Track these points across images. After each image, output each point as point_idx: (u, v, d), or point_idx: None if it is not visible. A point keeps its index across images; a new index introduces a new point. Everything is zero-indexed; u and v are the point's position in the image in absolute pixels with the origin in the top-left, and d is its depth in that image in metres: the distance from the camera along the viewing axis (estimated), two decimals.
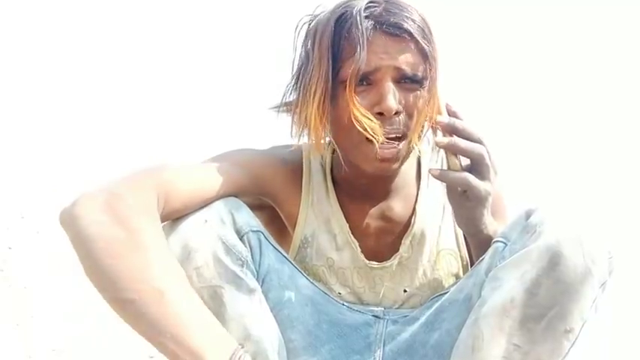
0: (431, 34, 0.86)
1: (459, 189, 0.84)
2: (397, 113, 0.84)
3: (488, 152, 0.83)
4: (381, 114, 0.84)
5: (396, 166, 0.88)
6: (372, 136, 0.82)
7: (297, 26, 0.91)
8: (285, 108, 0.93)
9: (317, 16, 0.89)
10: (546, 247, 0.72)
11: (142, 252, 0.71)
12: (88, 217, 0.73)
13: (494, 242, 0.83)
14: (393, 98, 0.83)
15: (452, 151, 0.83)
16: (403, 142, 0.86)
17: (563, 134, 1.98)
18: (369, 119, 0.83)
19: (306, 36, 0.90)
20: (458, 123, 0.83)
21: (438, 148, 0.85)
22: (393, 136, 0.85)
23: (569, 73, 2.00)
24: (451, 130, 0.83)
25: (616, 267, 0.72)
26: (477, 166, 0.83)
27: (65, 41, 1.85)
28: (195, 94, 2.00)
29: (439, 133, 0.86)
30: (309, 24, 0.90)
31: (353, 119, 0.83)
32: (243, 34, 1.99)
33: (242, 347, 0.72)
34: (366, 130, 0.82)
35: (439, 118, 0.84)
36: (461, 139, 0.82)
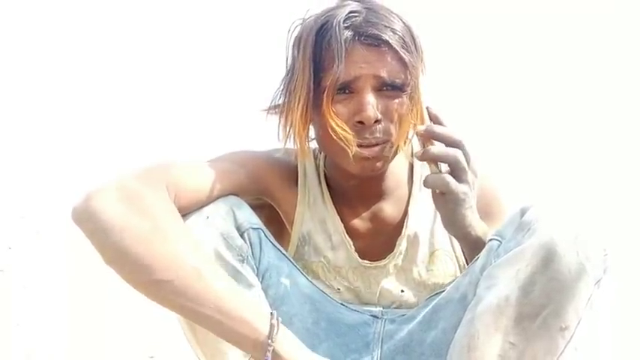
0: (413, 41, 0.88)
1: (437, 191, 0.87)
2: (377, 121, 0.86)
3: (466, 154, 0.85)
4: (361, 122, 0.86)
5: (379, 165, 0.90)
6: (346, 146, 0.85)
7: (289, 29, 0.92)
8: (274, 110, 0.95)
9: (305, 21, 0.91)
10: (540, 245, 0.72)
11: (171, 237, 0.75)
12: (109, 209, 0.74)
13: (489, 240, 0.84)
14: (372, 107, 0.85)
15: (427, 159, 0.86)
16: (385, 146, 0.88)
17: (557, 131, 1.98)
18: (344, 130, 0.85)
19: (293, 43, 0.92)
20: (435, 128, 0.86)
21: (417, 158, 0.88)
22: (374, 142, 0.87)
23: (560, 70, 2.00)
24: (429, 136, 0.86)
25: (611, 264, 0.72)
26: (454, 170, 0.85)
27: (65, 41, 1.85)
28: (195, 95, 2.00)
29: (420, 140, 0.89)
30: (298, 30, 0.92)
31: (329, 129, 0.85)
32: (243, 35, 1.99)
33: (272, 313, 0.75)
34: (340, 139, 0.85)
35: (417, 127, 0.86)
36: (434, 147, 0.85)
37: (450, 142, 0.85)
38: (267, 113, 0.95)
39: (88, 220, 0.75)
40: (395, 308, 0.97)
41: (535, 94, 2.00)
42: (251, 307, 0.75)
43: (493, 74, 1.99)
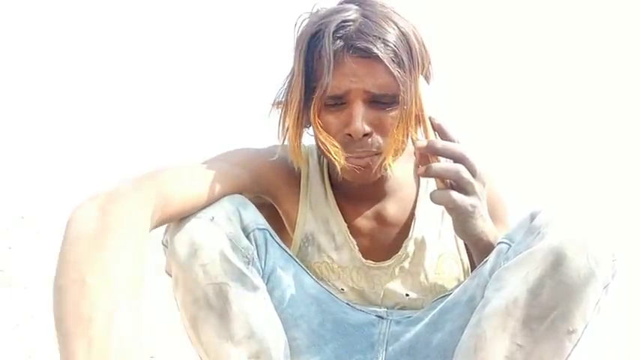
0: (409, 51, 0.85)
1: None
2: (367, 135, 0.86)
3: (470, 166, 0.83)
4: (350, 135, 0.86)
5: (371, 175, 0.90)
6: (335, 159, 0.85)
7: (295, 24, 0.91)
8: (278, 106, 0.94)
9: (307, 20, 0.90)
10: (550, 249, 0.72)
11: (100, 247, 0.68)
12: (80, 211, 0.72)
13: (498, 243, 0.84)
14: (360, 122, 0.84)
15: (430, 176, 0.85)
16: (375, 157, 0.88)
17: (566, 137, 1.99)
18: (332, 144, 0.85)
19: (294, 44, 0.90)
20: (437, 144, 0.83)
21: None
22: (363, 155, 0.87)
23: (571, 76, 2.00)
24: (430, 152, 0.84)
25: (619, 269, 0.73)
26: (459, 184, 0.84)
27: (65, 42, 1.85)
28: (195, 94, 2.00)
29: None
30: (300, 29, 0.90)
31: (319, 142, 0.86)
32: (243, 33, 1.99)
33: None
34: (329, 152, 0.85)
35: (417, 143, 0.84)
36: (436, 163, 0.83)
37: (453, 157, 0.83)
38: (271, 109, 0.95)
39: (66, 224, 0.72)
40: (399, 309, 0.97)
41: (546, 100, 2.01)
42: (97, 350, 0.62)
43: (504, 78, 2.00)
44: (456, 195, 0.83)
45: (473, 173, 0.84)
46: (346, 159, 0.87)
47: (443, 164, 0.83)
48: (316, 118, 0.86)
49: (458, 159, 0.83)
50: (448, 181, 0.84)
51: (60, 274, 0.66)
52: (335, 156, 0.85)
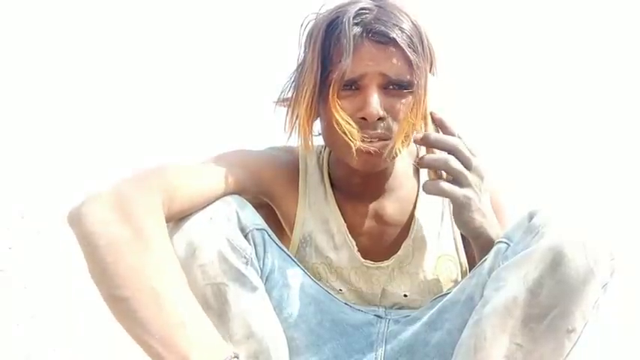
0: (421, 41, 0.88)
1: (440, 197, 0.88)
2: (381, 119, 0.87)
3: (464, 159, 0.85)
4: (364, 119, 0.86)
5: (380, 162, 0.90)
6: (350, 140, 0.85)
7: (302, 24, 0.93)
8: (283, 103, 0.95)
9: (319, 15, 0.91)
10: (549, 248, 0.72)
11: (143, 250, 0.71)
12: (94, 215, 0.73)
13: (496, 243, 0.84)
14: (376, 104, 0.85)
15: (423, 166, 0.87)
16: (387, 143, 0.88)
17: (565, 136, 1.99)
18: (348, 123, 0.86)
19: (305, 37, 0.92)
20: (430, 137, 0.86)
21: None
22: (376, 139, 0.87)
23: (575, 73, 2.00)
24: (424, 144, 0.86)
25: (618, 268, 0.73)
26: (451, 175, 0.86)
27: (65, 41, 1.85)
28: (195, 93, 2.00)
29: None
30: (313, 22, 0.92)
31: (334, 122, 0.86)
32: (244, 32, 1.99)
33: (236, 357, 0.70)
34: (345, 133, 0.85)
35: (415, 135, 0.86)
36: (429, 154, 0.86)
37: (445, 149, 0.86)
38: (276, 105, 0.96)
39: (76, 224, 0.74)
40: (397, 309, 0.97)
41: (545, 99, 2.01)
42: (202, 347, 0.68)
43: (504, 75, 1.99)
44: (446, 185, 0.85)
45: (467, 166, 0.86)
46: (360, 141, 0.86)
47: (434, 155, 0.85)
48: (334, 97, 0.86)
49: (450, 150, 0.85)
50: (444, 174, 0.86)
51: (118, 285, 0.69)
52: (350, 136, 0.85)
